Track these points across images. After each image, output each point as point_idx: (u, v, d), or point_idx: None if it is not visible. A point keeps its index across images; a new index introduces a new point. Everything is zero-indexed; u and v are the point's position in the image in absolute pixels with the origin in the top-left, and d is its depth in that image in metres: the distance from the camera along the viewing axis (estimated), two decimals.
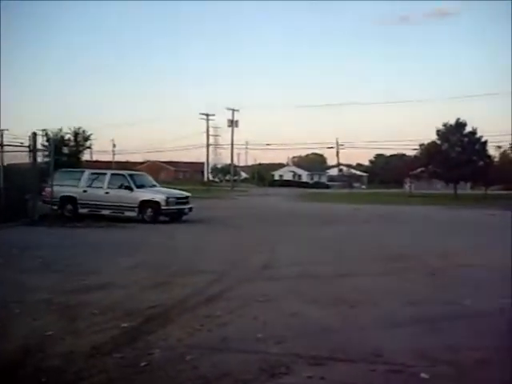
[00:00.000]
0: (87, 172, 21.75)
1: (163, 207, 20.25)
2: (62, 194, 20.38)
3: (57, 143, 48.66)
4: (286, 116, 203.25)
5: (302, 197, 52.14)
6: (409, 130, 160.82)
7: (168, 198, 20.61)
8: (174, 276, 9.72)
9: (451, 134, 55.93)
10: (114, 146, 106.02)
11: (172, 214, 20.77)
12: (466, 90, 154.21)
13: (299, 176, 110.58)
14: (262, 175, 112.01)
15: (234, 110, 74.71)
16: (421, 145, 61.76)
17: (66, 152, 49.52)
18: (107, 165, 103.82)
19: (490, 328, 6.57)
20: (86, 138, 51.85)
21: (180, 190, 23.56)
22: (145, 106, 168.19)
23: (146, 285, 8.92)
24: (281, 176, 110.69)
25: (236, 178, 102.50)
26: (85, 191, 20.39)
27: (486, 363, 5.25)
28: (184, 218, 21.48)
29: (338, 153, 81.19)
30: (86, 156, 73.49)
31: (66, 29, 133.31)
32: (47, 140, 48.22)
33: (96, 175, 21.50)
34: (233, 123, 75.07)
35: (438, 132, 56.48)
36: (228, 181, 79.32)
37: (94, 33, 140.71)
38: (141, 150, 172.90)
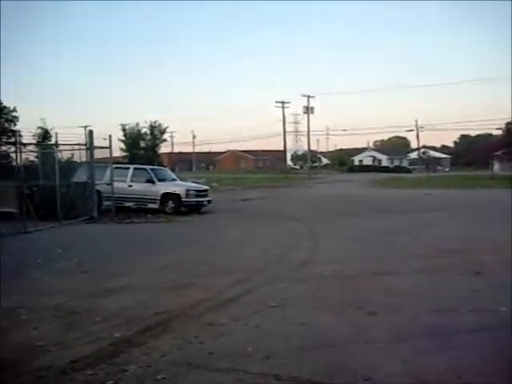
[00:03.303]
0: (111, 167, 21.93)
1: (183, 199, 21.22)
2: None
3: (134, 137, 50.19)
4: (364, 100, 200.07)
5: (376, 182, 50.46)
6: (496, 108, 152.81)
7: (188, 190, 21.67)
8: (200, 277, 9.42)
9: None
10: (194, 137, 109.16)
11: (191, 206, 21.51)
12: None
13: (379, 161, 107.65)
14: (343, 161, 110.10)
15: (309, 97, 73.73)
16: (508, 123, 58.16)
17: (143, 146, 50.67)
18: (188, 156, 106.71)
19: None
20: (163, 131, 52.63)
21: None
22: (225, 98, 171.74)
23: (166, 287, 8.65)
24: (360, 161, 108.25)
25: (316, 164, 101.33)
26: (109, 185, 20.50)
27: None
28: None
29: (417, 135, 78.26)
30: (166, 149, 75.80)
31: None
32: (124, 135, 49.73)
33: (119, 170, 22.11)
34: (308, 110, 73.98)
35: None
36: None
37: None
38: (222, 140, 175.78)
